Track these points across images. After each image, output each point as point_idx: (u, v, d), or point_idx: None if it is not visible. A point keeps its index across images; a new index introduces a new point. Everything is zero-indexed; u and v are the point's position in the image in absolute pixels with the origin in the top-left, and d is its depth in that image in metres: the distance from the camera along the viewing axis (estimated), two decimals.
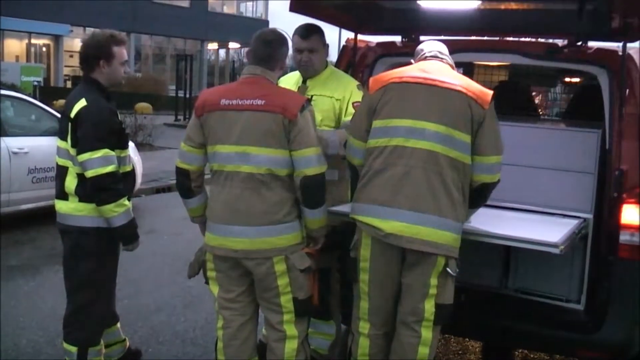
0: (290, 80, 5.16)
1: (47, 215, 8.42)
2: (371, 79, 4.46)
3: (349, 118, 4.76)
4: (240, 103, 4.18)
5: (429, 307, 4.10)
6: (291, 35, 5.03)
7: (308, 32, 4.96)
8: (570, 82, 9.71)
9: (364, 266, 4.26)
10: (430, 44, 4.54)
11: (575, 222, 4.74)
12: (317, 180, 4.17)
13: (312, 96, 4.93)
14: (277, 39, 4.41)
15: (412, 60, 4.55)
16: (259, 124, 4.13)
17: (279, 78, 4.62)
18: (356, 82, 5.11)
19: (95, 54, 4.75)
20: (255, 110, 4.14)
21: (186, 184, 4.45)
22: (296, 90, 4.93)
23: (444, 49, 4.50)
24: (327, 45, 5.08)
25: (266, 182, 4.16)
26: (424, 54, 4.45)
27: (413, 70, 4.30)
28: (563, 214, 4.93)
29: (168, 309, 7.14)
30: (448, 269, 4.07)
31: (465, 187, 4.13)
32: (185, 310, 7.12)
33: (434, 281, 4.07)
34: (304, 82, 5.07)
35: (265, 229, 4.17)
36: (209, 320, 6.65)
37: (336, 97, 4.92)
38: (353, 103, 4.87)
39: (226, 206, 4.24)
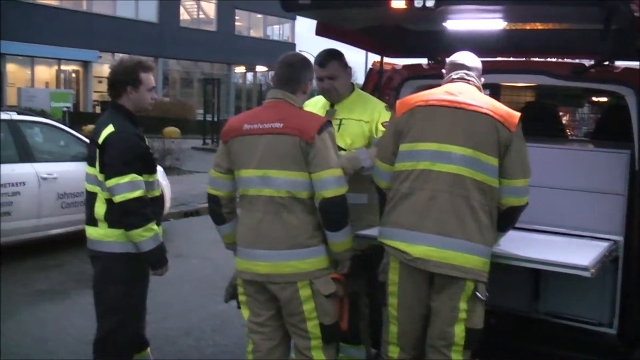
0: (317, 104, 5.13)
1: (75, 240, 8.50)
2: (397, 102, 4.44)
3: (380, 135, 4.76)
4: (260, 127, 4.21)
5: (459, 331, 4.06)
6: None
7: (325, 60, 4.93)
8: (598, 102, 9.65)
9: (393, 290, 4.23)
10: (460, 62, 4.48)
11: (605, 244, 4.67)
12: (336, 202, 4.15)
13: (340, 120, 4.93)
14: (299, 62, 4.43)
15: (443, 71, 4.51)
16: (277, 147, 4.15)
17: (304, 101, 4.61)
18: (383, 104, 5.09)
19: (122, 80, 4.79)
20: (274, 134, 4.17)
21: (217, 210, 4.50)
22: (324, 114, 4.94)
23: (471, 69, 4.42)
24: (350, 68, 5.05)
25: (287, 205, 4.16)
26: (451, 76, 4.42)
27: (439, 93, 4.28)
28: (593, 236, 4.87)
29: (197, 333, 7.14)
30: (477, 293, 4.02)
31: (492, 211, 4.09)
32: (214, 334, 7.11)
33: (463, 305, 4.03)
34: (332, 106, 5.06)
35: (287, 252, 4.17)
36: (238, 345, 6.63)
37: (365, 119, 4.90)
38: (382, 123, 4.85)
39: (250, 230, 4.27)
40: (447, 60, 4.56)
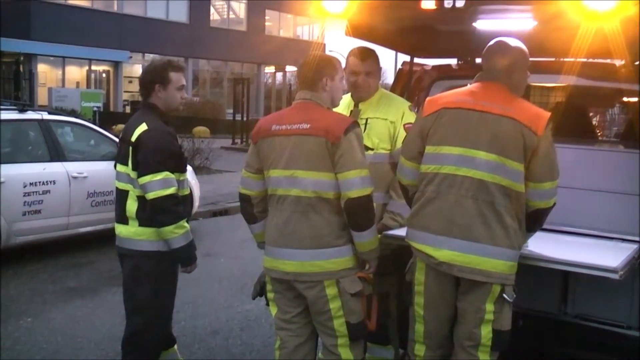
0: (342, 104, 5.11)
1: (105, 238, 8.56)
2: (427, 100, 4.41)
3: (400, 136, 4.79)
4: (288, 128, 4.23)
5: (486, 332, 4.04)
6: (346, 56, 5.05)
7: (366, 55, 4.97)
8: (629, 102, 9.55)
9: (419, 290, 4.24)
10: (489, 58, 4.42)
11: (635, 246, 4.62)
12: (361, 202, 4.13)
13: (366, 119, 4.93)
14: (314, 59, 4.44)
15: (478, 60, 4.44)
16: (304, 147, 4.17)
17: (328, 99, 4.59)
18: (408, 103, 5.10)
19: (151, 79, 4.85)
20: (301, 135, 4.19)
21: (248, 209, 4.53)
22: (348, 113, 4.95)
23: (507, 59, 4.25)
24: (381, 69, 5.09)
25: (314, 205, 4.18)
26: (480, 74, 4.35)
27: (465, 95, 4.22)
28: (622, 238, 4.82)
29: (225, 331, 7.18)
30: (504, 295, 4.01)
31: (520, 214, 4.06)
32: (242, 333, 7.15)
33: (490, 307, 4.01)
34: (356, 105, 5.06)
35: (314, 252, 4.19)
36: (266, 344, 6.67)
37: (390, 119, 4.90)
38: (404, 125, 4.85)
39: (277, 229, 4.29)
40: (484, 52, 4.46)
